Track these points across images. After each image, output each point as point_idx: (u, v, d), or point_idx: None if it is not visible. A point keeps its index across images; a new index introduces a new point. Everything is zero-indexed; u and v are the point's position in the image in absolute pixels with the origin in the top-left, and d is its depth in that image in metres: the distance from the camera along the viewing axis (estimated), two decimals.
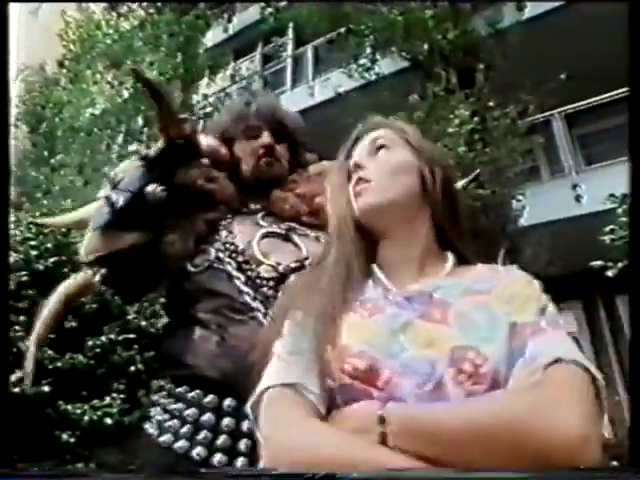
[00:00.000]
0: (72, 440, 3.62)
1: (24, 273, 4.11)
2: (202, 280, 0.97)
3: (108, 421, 3.71)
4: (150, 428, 0.93)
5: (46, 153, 8.26)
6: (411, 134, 0.76)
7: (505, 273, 0.68)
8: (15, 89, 9.40)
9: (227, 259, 0.97)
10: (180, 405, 0.91)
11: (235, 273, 0.95)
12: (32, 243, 4.36)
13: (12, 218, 4.50)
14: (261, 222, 1.06)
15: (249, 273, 0.95)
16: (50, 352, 3.81)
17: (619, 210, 3.66)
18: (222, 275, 0.96)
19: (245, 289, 0.93)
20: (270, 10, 7.19)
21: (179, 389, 0.92)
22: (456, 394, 0.56)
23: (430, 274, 0.67)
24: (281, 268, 0.95)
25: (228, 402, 0.87)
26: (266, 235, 1.02)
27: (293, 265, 0.96)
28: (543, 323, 0.60)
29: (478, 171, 1.83)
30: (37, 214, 4.91)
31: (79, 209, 1.17)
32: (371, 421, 0.54)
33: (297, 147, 1.19)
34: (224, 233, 1.02)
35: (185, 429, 0.88)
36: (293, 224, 1.05)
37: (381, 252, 0.71)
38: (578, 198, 4.86)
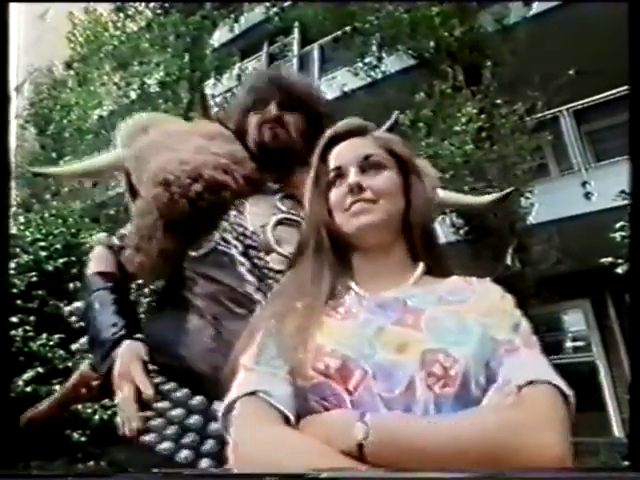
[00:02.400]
0: (83, 439, 3.65)
1: (34, 274, 4.15)
2: (203, 263, 0.91)
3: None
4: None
5: (54, 155, 8.32)
6: (399, 150, 0.76)
7: (479, 286, 0.69)
8: (25, 91, 9.48)
9: (233, 241, 0.91)
10: (166, 404, 0.84)
11: (240, 258, 0.89)
12: (42, 244, 4.40)
13: (22, 219, 4.54)
14: (279, 205, 0.98)
15: (255, 260, 0.88)
16: (61, 352, 3.84)
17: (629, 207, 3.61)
18: (225, 259, 0.90)
19: (249, 278, 0.87)
20: (276, 10, 7.20)
21: (166, 386, 0.86)
22: (425, 397, 0.56)
23: (400, 283, 0.69)
24: None
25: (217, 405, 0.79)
26: (282, 221, 0.95)
27: None
28: (517, 341, 0.61)
29: (511, 189, 1.78)
30: (47, 215, 4.96)
31: (86, 160, 1.18)
32: (347, 429, 0.53)
33: (316, 117, 1.08)
34: (233, 213, 0.95)
35: (171, 430, 0.82)
36: None
37: (355, 262, 0.73)
38: (587, 195, 4.81)
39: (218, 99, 6.81)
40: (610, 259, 3.57)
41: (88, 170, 1.14)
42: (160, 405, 0.85)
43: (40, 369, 3.68)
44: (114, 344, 0.88)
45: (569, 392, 0.57)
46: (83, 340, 3.44)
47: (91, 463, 3.50)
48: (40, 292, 4.08)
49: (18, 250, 4.22)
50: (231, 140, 1.05)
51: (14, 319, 3.68)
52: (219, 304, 0.87)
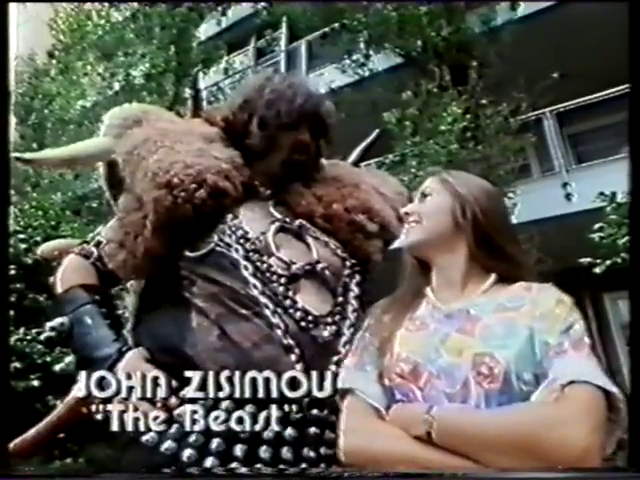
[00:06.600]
0: (61, 435, 3.60)
1: (12, 267, 4.07)
2: (201, 264, 0.92)
3: (98, 417, 3.69)
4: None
5: (35, 145, 8.15)
6: (451, 181, 0.87)
7: (537, 292, 0.78)
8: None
9: (234, 244, 0.92)
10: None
11: (243, 262, 0.90)
12: (21, 236, 4.31)
13: None
14: (272, 211, 1.01)
15: (258, 264, 0.90)
16: (40, 347, 3.78)
17: (608, 208, 3.70)
18: (225, 261, 0.91)
19: (253, 281, 0.88)
20: (264, 4, 7.15)
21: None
22: (477, 392, 0.69)
23: (471, 293, 0.80)
24: (294, 268, 0.91)
25: (226, 404, 0.80)
26: (281, 229, 0.98)
27: (307, 267, 0.92)
28: (566, 344, 0.70)
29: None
30: (26, 207, 4.86)
31: (71, 145, 1.14)
32: (418, 420, 0.68)
33: (326, 144, 1.11)
34: (230, 215, 0.96)
35: (174, 430, 0.80)
36: (305, 222, 1.01)
37: (432, 277, 0.85)
38: (568, 196, 4.91)
39: (205, 93, 6.75)
40: (589, 259, 3.65)
41: (73, 156, 1.09)
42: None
43: (18, 364, 3.62)
44: (118, 357, 0.89)
45: (613, 389, 0.65)
46: (68, 359, 3.36)
47: (68, 460, 3.45)
48: (18, 285, 4.00)
49: None
50: (228, 144, 1.05)
51: None
52: (222, 305, 0.88)
